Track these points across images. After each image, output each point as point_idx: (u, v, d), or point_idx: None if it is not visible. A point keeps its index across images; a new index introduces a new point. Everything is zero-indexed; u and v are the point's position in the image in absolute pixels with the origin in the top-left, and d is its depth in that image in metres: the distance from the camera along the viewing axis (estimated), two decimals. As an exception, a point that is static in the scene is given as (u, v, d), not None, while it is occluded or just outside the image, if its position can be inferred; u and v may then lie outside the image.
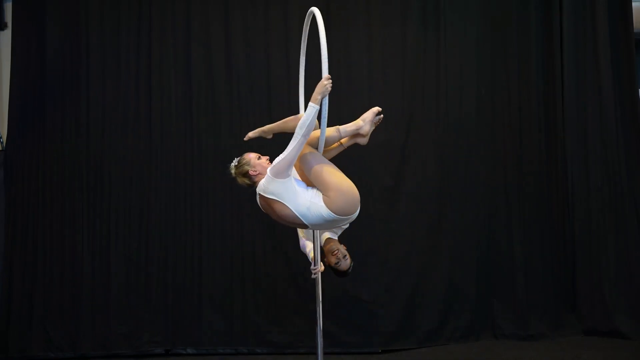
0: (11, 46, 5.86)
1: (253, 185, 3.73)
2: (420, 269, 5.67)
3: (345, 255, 3.92)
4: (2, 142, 6.05)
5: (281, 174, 3.52)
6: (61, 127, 5.81)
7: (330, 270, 3.98)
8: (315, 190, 3.58)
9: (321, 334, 4.15)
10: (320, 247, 4.02)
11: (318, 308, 4.13)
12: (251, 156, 3.75)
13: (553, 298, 5.82)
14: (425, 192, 5.82)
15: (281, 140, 3.99)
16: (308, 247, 4.12)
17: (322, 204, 3.54)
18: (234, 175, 3.80)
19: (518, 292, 5.77)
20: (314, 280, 4.09)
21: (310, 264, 4.03)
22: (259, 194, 3.66)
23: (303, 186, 3.61)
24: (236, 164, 3.78)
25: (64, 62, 5.86)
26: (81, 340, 5.55)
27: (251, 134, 4.10)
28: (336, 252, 3.91)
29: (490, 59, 5.97)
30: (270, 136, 4.07)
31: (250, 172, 3.66)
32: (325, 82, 3.48)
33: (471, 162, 5.88)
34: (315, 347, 4.15)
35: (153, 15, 5.89)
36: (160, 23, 5.92)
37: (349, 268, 3.96)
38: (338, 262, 3.84)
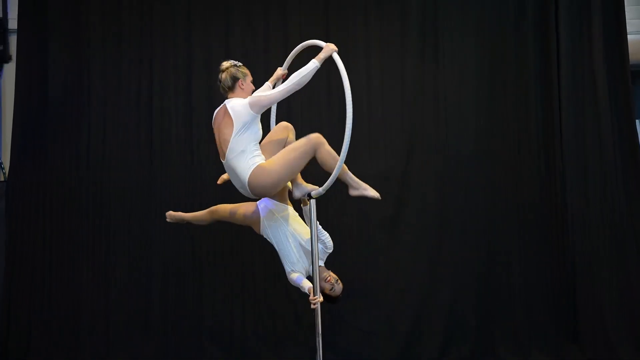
0: (15, 78, 5.92)
1: (226, 92, 3.75)
2: (421, 298, 5.64)
3: (337, 280, 3.95)
4: (4, 173, 6.08)
5: (257, 107, 3.57)
6: (62, 156, 5.83)
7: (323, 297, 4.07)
8: (261, 156, 3.64)
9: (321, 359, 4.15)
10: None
11: (318, 339, 4.05)
12: (251, 77, 3.78)
13: (554, 328, 5.76)
14: (425, 221, 5.82)
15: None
16: (302, 280, 4.10)
17: (254, 162, 3.59)
18: (225, 67, 3.78)
19: (519, 322, 5.72)
20: (313, 311, 4.01)
21: (307, 295, 4.01)
22: (225, 105, 3.65)
23: (256, 142, 3.66)
24: (236, 64, 3.77)
25: (66, 93, 5.89)
26: None
27: (225, 177, 4.07)
28: (329, 278, 3.94)
29: (488, 89, 5.98)
30: None
31: (239, 83, 3.67)
32: (332, 46, 3.61)
33: (470, 192, 5.87)
34: None
35: (154, 45, 5.94)
36: (162, 52, 5.96)
37: (341, 293, 4.00)
38: (332, 288, 3.85)
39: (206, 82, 5.90)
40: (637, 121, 6.08)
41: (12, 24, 6.20)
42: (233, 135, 3.62)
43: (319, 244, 4.11)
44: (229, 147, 3.65)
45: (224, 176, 4.10)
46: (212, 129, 5.67)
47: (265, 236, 4.10)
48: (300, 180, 4.01)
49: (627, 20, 6.06)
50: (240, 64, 3.82)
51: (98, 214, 5.77)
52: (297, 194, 4.06)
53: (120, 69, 5.95)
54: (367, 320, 5.60)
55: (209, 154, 5.73)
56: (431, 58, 5.96)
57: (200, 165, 5.86)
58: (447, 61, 5.97)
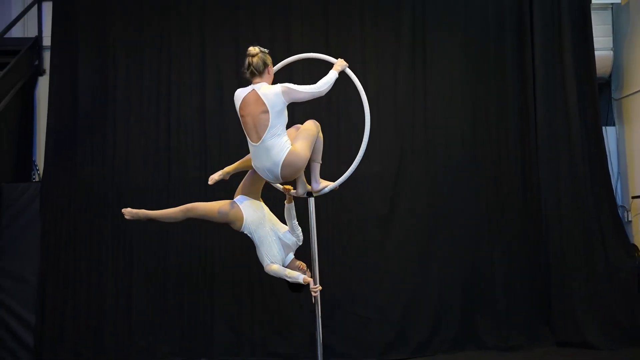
0: (48, 89, 6.02)
1: (254, 76, 3.74)
2: (412, 288, 5.71)
3: (306, 270, 4.08)
4: (39, 174, 6.20)
5: (288, 97, 3.67)
6: (90, 161, 5.89)
7: (287, 286, 4.14)
8: (290, 141, 3.74)
9: (321, 346, 4.19)
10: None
11: (318, 323, 4.17)
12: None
13: (530, 314, 5.86)
14: (416, 219, 5.87)
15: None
16: (292, 273, 4.07)
17: (287, 145, 3.68)
18: (255, 52, 3.77)
19: (499, 309, 5.82)
20: (314, 298, 4.16)
21: (304, 285, 4.08)
22: (256, 91, 3.68)
23: (285, 127, 3.73)
24: (264, 50, 3.78)
25: (93, 103, 5.97)
26: (106, 353, 5.61)
27: (215, 177, 4.11)
28: (301, 266, 4.08)
29: (472, 100, 6.07)
30: (228, 177, 4.13)
31: (268, 68, 3.77)
32: (344, 62, 3.85)
33: (457, 192, 5.95)
34: (315, 358, 4.20)
35: (172, 60, 6.00)
36: (178, 68, 6.02)
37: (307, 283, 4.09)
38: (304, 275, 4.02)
39: (217, 94, 5.96)
40: (603, 127, 6.17)
41: (46, 41, 6.34)
42: (271, 119, 3.66)
43: (293, 236, 4.18)
44: (267, 130, 3.66)
45: (215, 176, 4.12)
46: (224, 134, 5.84)
47: (247, 232, 4.12)
48: (304, 178, 4.07)
49: (595, 38, 6.12)
50: (267, 50, 3.83)
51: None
52: (300, 191, 4.16)
53: (141, 82, 6.02)
54: (363, 307, 5.65)
55: (220, 159, 5.79)
56: (420, 68, 6.04)
57: (212, 170, 5.54)
58: (434, 72, 6.05)
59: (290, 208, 4.24)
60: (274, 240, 4.13)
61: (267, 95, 3.66)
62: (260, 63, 3.79)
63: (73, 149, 5.92)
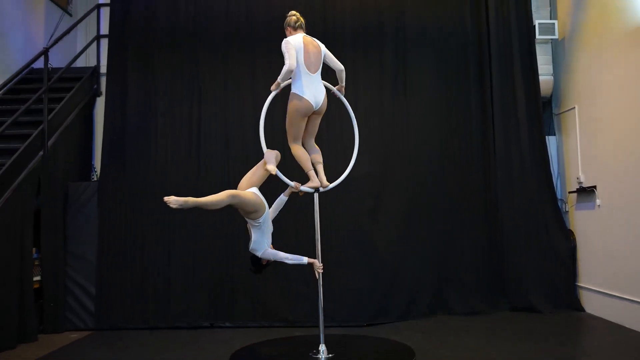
0: (104, 107, 6.29)
1: (299, 29, 4.34)
2: (394, 266, 5.90)
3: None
4: (97, 175, 6.43)
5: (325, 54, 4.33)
6: (136, 164, 6.09)
7: (251, 267, 4.22)
8: None
9: (322, 312, 4.41)
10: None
11: (320, 294, 4.38)
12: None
13: (489, 286, 6.12)
14: (398, 211, 6.02)
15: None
16: (290, 258, 4.21)
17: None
18: (298, 14, 4.35)
19: (464, 282, 6.07)
20: (318, 274, 4.39)
21: (308, 268, 4.29)
22: (319, 45, 4.30)
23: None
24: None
25: (139, 120, 6.19)
26: (149, 317, 5.83)
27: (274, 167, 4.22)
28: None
29: (442, 116, 6.28)
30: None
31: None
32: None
33: (431, 189, 6.14)
34: (318, 322, 4.41)
35: (202, 86, 6.19)
36: (206, 92, 6.20)
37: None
38: (268, 261, 4.22)
39: (237, 113, 6.12)
40: (546, 137, 6.40)
41: (103, 69, 6.62)
42: (322, 60, 4.33)
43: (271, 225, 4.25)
44: (320, 67, 4.30)
45: (273, 168, 4.19)
46: (241, 144, 5.95)
47: (261, 220, 4.10)
48: (315, 175, 4.39)
49: (539, 66, 6.35)
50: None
51: (161, 208, 5.27)
52: (313, 184, 4.33)
53: (177, 103, 6.20)
54: (355, 282, 5.80)
55: (239, 164, 5.90)
56: (401, 92, 6.23)
57: (233, 173, 5.88)
58: (412, 94, 6.25)
59: (284, 200, 4.42)
60: (270, 227, 4.30)
61: (321, 44, 4.33)
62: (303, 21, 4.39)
63: (123, 155, 6.11)
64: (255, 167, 4.35)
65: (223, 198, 3.88)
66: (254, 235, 4.11)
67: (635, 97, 5.16)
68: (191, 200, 3.89)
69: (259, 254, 4.10)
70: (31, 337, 5.30)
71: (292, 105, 4.27)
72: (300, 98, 4.23)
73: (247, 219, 4.16)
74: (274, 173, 4.18)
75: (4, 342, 4.98)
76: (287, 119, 4.36)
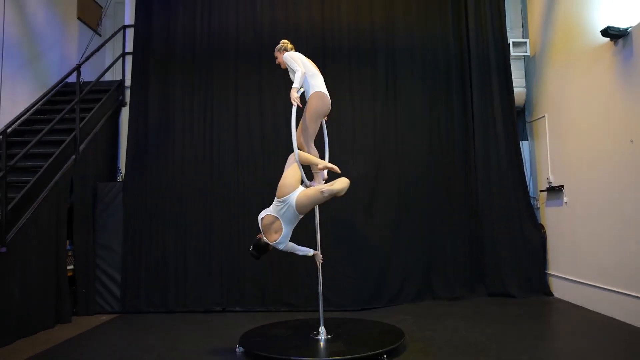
0: (128, 116, 6.44)
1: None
2: (386, 256, 5.99)
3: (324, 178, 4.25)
4: (122, 176, 6.55)
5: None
6: (157, 167, 6.22)
7: (255, 253, 4.03)
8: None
9: (322, 298, 4.45)
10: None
11: (319, 282, 4.43)
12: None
13: (469, 274, 6.24)
14: (390, 208, 6.09)
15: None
16: (300, 250, 4.19)
17: None
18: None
19: (448, 271, 6.18)
20: (318, 263, 4.45)
21: (309, 258, 4.33)
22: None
23: None
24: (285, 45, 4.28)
25: (159, 127, 6.31)
26: (169, 301, 5.95)
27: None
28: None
29: (429, 123, 6.38)
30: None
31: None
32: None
33: (420, 189, 6.24)
34: (318, 307, 4.47)
35: (214, 99, 6.31)
36: (218, 104, 6.30)
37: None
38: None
39: (246, 123, 6.19)
40: (520, 142, 6.53)
41: (127, 82, 6.76)
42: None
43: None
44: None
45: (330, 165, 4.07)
46: (249, 148, 6.00)
47: (304, 212, 4.01)
48: (319, 175, 4.40)
49: (513, 80, 6.48)
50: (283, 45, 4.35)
51: (178, 204, 6.12)
52: (321, 178, 4.33)
53: (192, 113, 6.31)
54: (351, 271, 5.89)
55: (247, 169, 6.07)
56: (392, 101, 6.33)
57: (243, 176, 6.10)
58: (402, 104, 6.35)
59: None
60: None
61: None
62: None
63: (145, 158, 6.25)
64: (291, 168, 4.11)
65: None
66: (285, 230, 3.99)
67: (597, 106, 5.32)
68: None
69: (281, 246, 4.02)
70: (67, 318, 5.50)
71: (315, 104, 4.10)
72: (323, 97, 4.12)
73: (287, 215, 4.02)
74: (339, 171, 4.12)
75: (45, 322, 5.21)
76: (307, 119, 4.14)
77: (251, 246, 4.07)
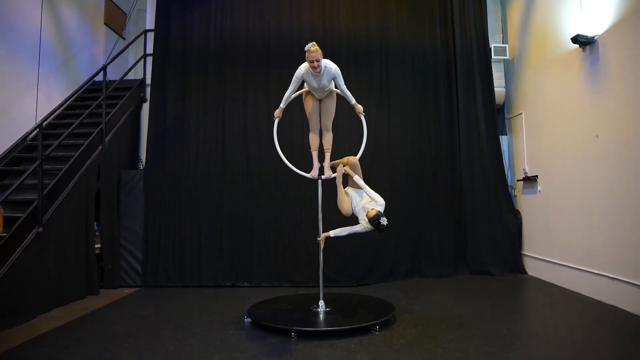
0: (149, 112, 6.47)
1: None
2: (379, 238, 5.81)
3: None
4: (142, 164, 6.63)
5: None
6: (173, 157, 6.26)
7: (378, 222, 3.96)
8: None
9: (322, 275, 4.48)
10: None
11: (320, 261, 4.46)
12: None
13: (454, 255, 6.34)
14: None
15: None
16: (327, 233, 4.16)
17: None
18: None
19: (434, 252, 6.28)
20: (318, 245, 4.48)
21: (311, 241, 4.35)
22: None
23: None
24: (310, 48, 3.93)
25: (176, 122, 6.35)
26: (185, 277, 6.01)
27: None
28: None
29: (418, 119, 6.44)
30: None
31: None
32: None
33: (409, 179, 6.30)
34: (318, 283, 4.50)
35: (226, 99, 6.34)
36: (230, 103, 6.33)
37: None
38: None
39: (255, 121, 6.21)
40: (500, 137, 6.53)
41: (148, 81, 6.85)
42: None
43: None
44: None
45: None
46: (256, 141, 5.94)
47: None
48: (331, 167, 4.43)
49: (494, 80, 6.51)
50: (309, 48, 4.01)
51: (193, 190, 6.16)
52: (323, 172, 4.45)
53: (206, 111, 6.35)
54: (348, 251, 5.95)
55: (255, 163, 6.08)
56: (385, 100, 6.37)
57: (251, 169, 6.13)
58: (394, 102, 6.39)
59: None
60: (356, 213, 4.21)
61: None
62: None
63: (163, 149, 6.31)
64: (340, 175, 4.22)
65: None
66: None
67: (567, 105, 5.37)
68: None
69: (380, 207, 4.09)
70: (95, 291, 5.58)
71: (335, 101, 4.32)
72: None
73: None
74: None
75: (77, 294, 5.31)
76: (333, 111, 4.32)
77: (375, 224, 4.00)
